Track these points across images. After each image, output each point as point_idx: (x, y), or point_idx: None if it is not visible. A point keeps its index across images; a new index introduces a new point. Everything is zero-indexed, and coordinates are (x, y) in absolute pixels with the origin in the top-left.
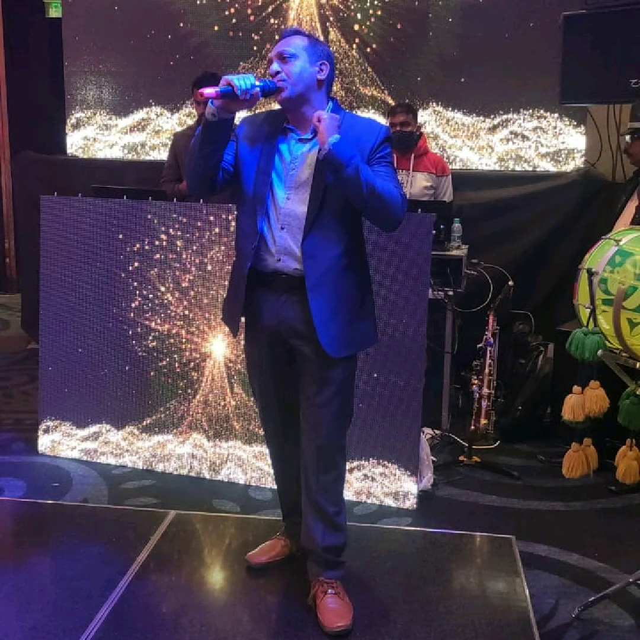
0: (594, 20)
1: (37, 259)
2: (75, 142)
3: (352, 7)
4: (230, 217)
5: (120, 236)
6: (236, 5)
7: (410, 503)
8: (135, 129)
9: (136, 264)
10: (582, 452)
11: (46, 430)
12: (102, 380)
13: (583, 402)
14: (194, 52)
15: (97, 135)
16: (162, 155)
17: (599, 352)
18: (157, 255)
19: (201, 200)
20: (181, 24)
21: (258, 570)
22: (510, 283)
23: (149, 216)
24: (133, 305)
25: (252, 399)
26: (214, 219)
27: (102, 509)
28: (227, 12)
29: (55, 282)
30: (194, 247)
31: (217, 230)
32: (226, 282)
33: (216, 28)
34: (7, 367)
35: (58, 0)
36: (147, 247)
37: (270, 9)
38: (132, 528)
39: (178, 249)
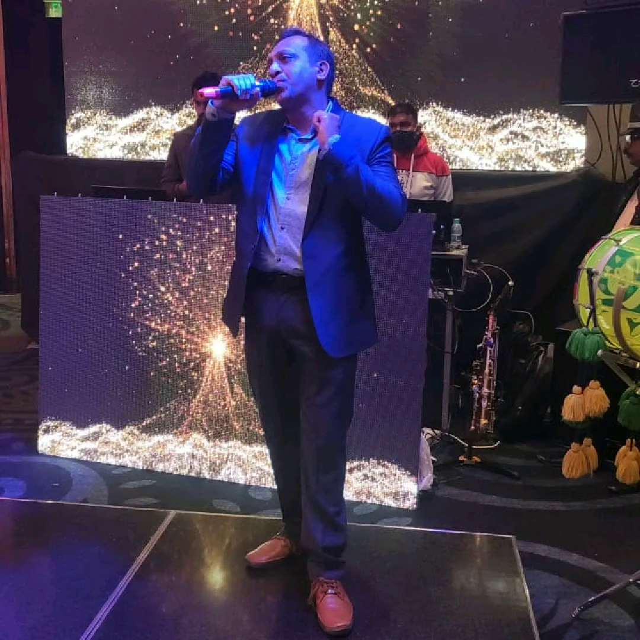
0: (594, 20)
1: (37, 259)
2: (75, 142)
3: (352, 7)
4: (230, 217)
5: (120, 236)
6: (236, 5)
7: (410, 503)
8: (135, 129)
9: (136, 264)
10: (582, 452)
11: (46, 430)
12: (102, 380)
13: (583, 402)
14: (194, 52)
15: (97, 135)
16: (162, 155)
17: (599, 352)
18: (157, 255)
19: (201, 200)
20: (181, 24)
21: (258, 570)
22: (510, 283)
23: (149, 216)
24: (133, 305)
25: (252, 399)
26: (214, 219)
27: (102, 509)
28: (227, 12)
29: (55, 282)
30: (194, 247)
31: (217, 230)
32: (226, 282)
33: (216, 28)
34: (7, 367)
35: (58, 0)
36: (147, 247)
37: (270, 9)
38: (132, 528)
39: (178, 249)
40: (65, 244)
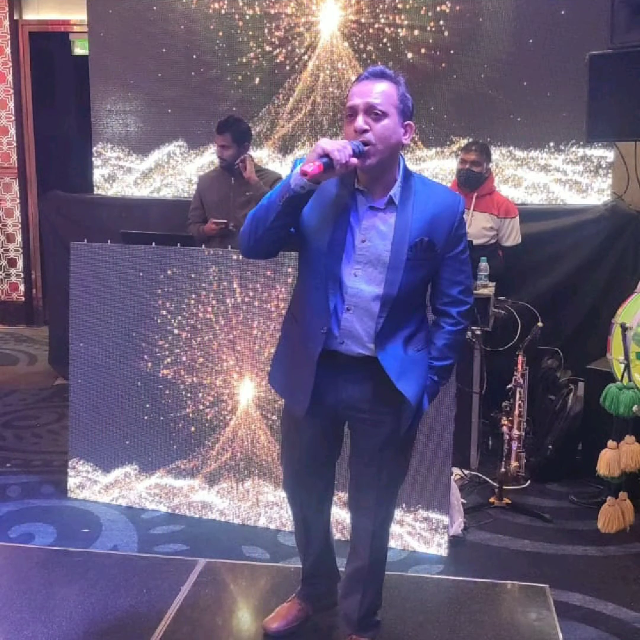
0: (620, 59)
1: (62, 294)
2: (101, 179)
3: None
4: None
5: (149, 282)
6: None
7: (442, 549)
8: (160, 167)
9: (164, 312)
10: (618, 506)
11: (75, 474)
12: (131, 424)
13: (619, 457)
14: (221, 94)
15: (122, 174)
16: (183, 193)
17: (634, 407)
18: (187, 301)
19: (229, 246)
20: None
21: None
22: (540, 324)
23: (179, 263)
24: (163, 351)
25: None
26: (246, 266)
27: (132, 558)
28: (251, 54)
29: (84, 328)
30: (226, 294)
31: (248, 274)
32: (255, 330)
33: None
34: (34, 404)
35: (84, 38)
36: (176, 294)
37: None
38: (162, 578)
39: (210, 297)
40: (96, 289)
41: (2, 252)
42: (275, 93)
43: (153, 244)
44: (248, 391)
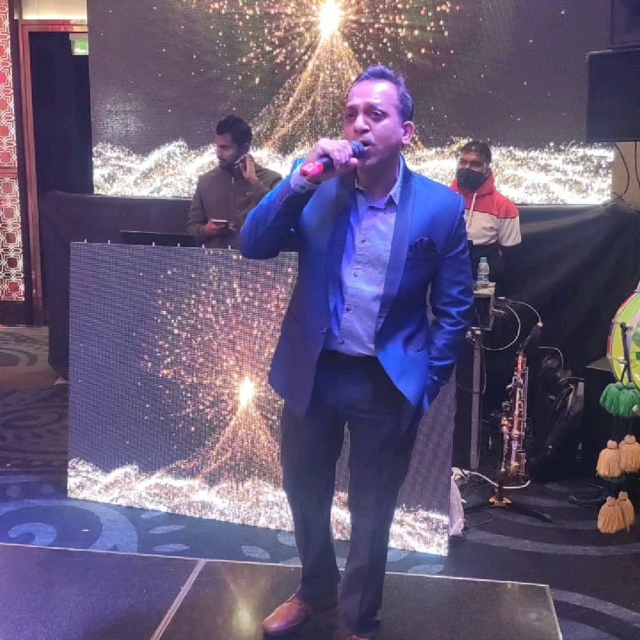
0: (620, 59)
1: (62, 293)
2: (101, 178)
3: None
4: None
5: (149, 282)
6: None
7: (442, 549)
8: (160, 167)
9: (164, 312)
10: (618, 506)
11: (75, 474)
12: (131, 424)
13: (619, 457)
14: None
15: (123, 174)
16: (183, 193)
17: (634, 407)
18: (187, 302)
19: (229, 246)
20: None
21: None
22: (539, 324)
23: (179, 263)
24: (163, 351)
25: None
26: (246, 266)
27: (132, 558)
28: (251, 54)
29: (85, 328)
30: (226, 293)
31: (248, 274)
32: (255, 330)
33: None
34: (34, 404)
35: (84, 38)
36: (176, 294)
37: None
38: (162, 578)
39: (210, 296)
40: (96, 289)
41: (2, 252)
42: (275, 93)
43: (153, 244)
44: (248, 391)
